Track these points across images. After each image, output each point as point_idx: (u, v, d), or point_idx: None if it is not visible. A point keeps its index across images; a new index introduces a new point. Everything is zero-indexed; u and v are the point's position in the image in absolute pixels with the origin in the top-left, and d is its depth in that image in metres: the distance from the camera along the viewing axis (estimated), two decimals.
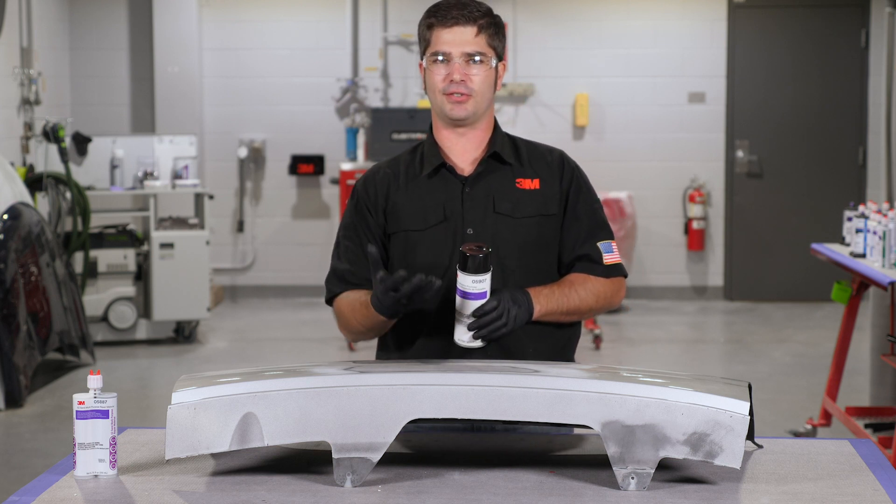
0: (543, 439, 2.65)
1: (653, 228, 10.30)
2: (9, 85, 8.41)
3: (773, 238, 10.26)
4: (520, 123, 10.14)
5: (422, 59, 2.82)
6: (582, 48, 10.20)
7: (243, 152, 10.16)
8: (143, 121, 10.14)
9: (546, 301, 2.70)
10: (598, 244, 2.80)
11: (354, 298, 2.76)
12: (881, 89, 7.18)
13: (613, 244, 2.83)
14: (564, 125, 10.24)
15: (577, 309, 2.76)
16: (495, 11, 2.85)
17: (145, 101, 10.14)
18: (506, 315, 2.60)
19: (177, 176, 8.57)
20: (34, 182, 8.17)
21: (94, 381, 2.37)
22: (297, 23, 10.23)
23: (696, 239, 10.23)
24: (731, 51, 10.20)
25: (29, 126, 8.57)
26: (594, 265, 2.79)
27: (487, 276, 2.56)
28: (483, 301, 2.57)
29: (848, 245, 5.95)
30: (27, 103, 8.60)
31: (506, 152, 2.82)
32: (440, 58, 2.75)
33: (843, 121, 10.17)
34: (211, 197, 8.79)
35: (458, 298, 2.58)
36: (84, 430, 2.36)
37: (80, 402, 2.36)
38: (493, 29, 2.78)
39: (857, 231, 5.77)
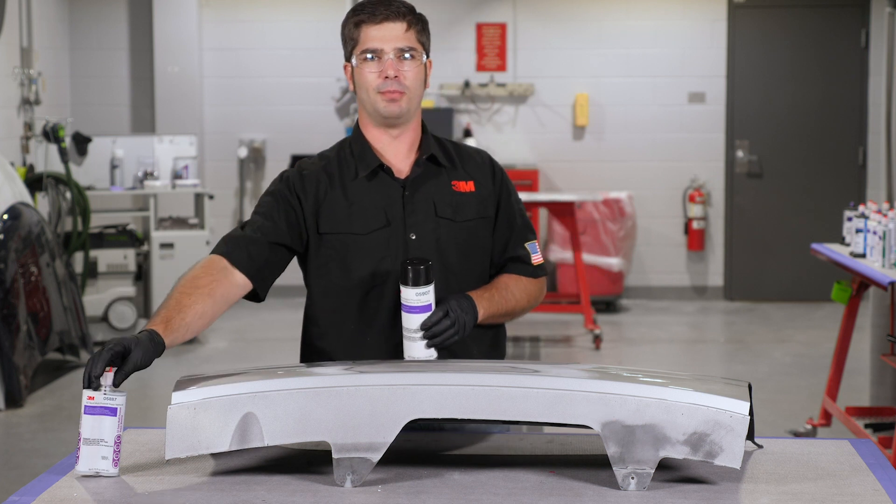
0: (543, 439, 2.65)
1: (653, 228, 10.30)
2: (9, 85, 8.41)
3: (773, 238, 10.26)
4: (520, 123, 10.13)
5: (348, 60, 2.79)
6: (582, 48, 10.19)
7: (243, 152, 10.16)
8: (143, 121, 10.14)
9: (488, 304, 2.74)
10: (527, 245, 2.85)
11: (197, 276, 2.62)
12: (881, 89, 7.18)
13: (538, 244, 2.89)
14: (564, 125, 10.24)
15: (513, 310, 2.82)
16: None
17: (145, 101, 10.14)
18: (457, 323, 2.63)
19: (177, 176, 8.57)
20: (34, 182, 8.16)
21: (107, 377, 2.37)
22: (297, 23, 10.23)
23: (696, 239, 10.22)
24: (731, 51, 10.19)
25: (29, 126, 8.57)
26: (525, 266, 2.85)
27: (430, 288, 2.60)
28: (429, 314, 2.60)
29: (848, 245, 5.94)
30: (27, 103, 8.59)
31: (439, 154, 2.82)
32: (370, 55, 2.74)
33: (843, 121, 10.17)
34: (211, 197, 8.79)
35: (403, 315, 2.61)
36: (90, 426, 2.35)
37: (90, 398, 2.35)
38: (420, 25, 2.78)
39: (857, 231, 5.77)
